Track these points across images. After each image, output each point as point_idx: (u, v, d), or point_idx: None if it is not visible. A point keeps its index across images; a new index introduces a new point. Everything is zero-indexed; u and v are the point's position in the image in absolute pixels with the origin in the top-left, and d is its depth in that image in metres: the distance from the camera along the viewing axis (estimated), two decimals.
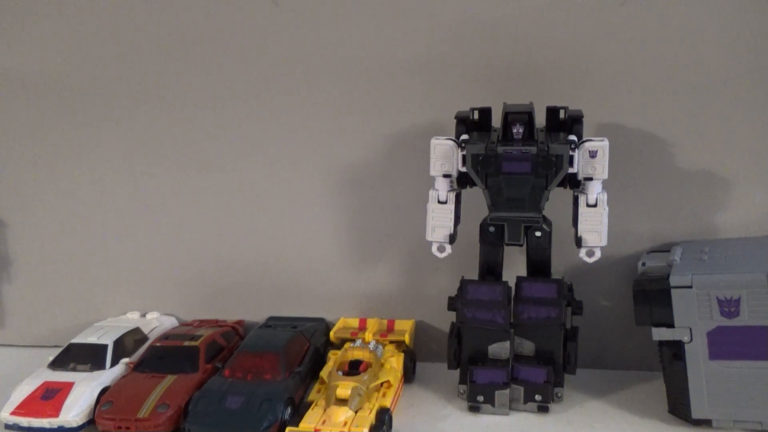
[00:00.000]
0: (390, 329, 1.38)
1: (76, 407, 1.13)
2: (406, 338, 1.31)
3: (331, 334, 1.35)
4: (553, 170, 1.10)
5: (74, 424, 1.12)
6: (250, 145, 1.36)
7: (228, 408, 1.09)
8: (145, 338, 1.34)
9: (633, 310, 1.12)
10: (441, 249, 1.19)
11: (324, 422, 1.06)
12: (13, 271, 1.48)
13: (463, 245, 1.20)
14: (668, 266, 1.12)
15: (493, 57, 1.25)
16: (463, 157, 1.13)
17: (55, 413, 1.11)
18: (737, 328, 1.05)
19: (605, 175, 1.13)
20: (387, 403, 1.14)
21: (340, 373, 1.17)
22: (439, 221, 1.18)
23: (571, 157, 1.10)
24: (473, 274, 1.21)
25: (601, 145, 1.12)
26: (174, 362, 1.22)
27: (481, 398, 1.15)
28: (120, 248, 1.44)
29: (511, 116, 1.13)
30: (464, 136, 1.15)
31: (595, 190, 1.13)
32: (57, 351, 1.26)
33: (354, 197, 1.36)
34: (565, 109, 1.18)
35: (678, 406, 1.11)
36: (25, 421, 1.12)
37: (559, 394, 1.18)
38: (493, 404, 1.15)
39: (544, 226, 1.15)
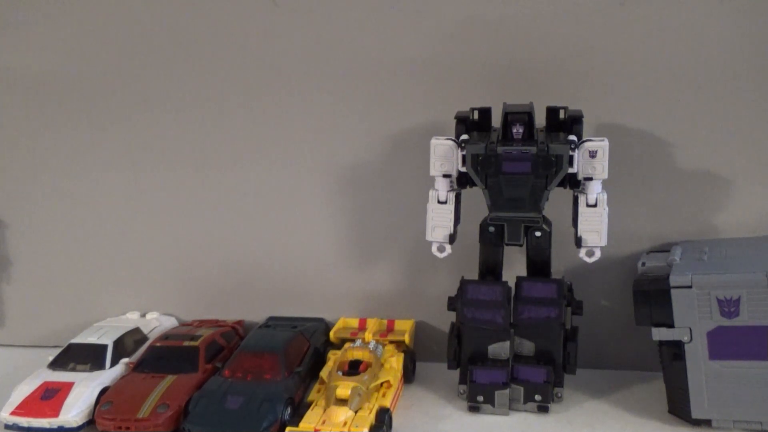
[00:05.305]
0: (390, 329, 1.38)
1: (76, 407, 1.13)
2: (406, 338, 1.31)
3: (331, 334, 1.35)
4: (553, 170, 1.10)
5: (74, 424, 1.12)
6: (250, 145, 1.36)
7: (228, 408, 1.09)
8: (145, 338, 1.34)
9: (633, 310, 1.12)
10: (441, 249, 1.19)
11: (324, 422, 1.06)
12: (13, 271, 1.48)
13: (463, 245, 1.20)
14: (668, 266, 1.11)
15: (493, 57, 1.25)
16: (463, 157, 1.13)
17: (55, 413, 1.11)
18: (737, 328, 1.05)
19: (605, 175, 1.12)
20: (387, 403, 1.14)
21: (340, 373, 1.17)
22: (439, 221, 1.18)
23: (571, 157, 1.10)
24: (473, 274, 1.21)
25: (601, 145, 1.12)
26: (174, 362, 1.22)
27: (481, 398, 1.15)
28: (120, 248, 1.44)
29: (510, 116, 1.13)
30: (464, 136, 1.14)
31: (595, 190, 1.13)
32: (57, 351, 1.26)
33: (354, 197, 1.35)
34: (565, 109, 1.18)
35: (678, 406, 1.11)
36: (24, 421, 1.12)
37: (559, 394, 1.18)
38: (493, 404, 1.15)
39: (544, 226, 1.15)
